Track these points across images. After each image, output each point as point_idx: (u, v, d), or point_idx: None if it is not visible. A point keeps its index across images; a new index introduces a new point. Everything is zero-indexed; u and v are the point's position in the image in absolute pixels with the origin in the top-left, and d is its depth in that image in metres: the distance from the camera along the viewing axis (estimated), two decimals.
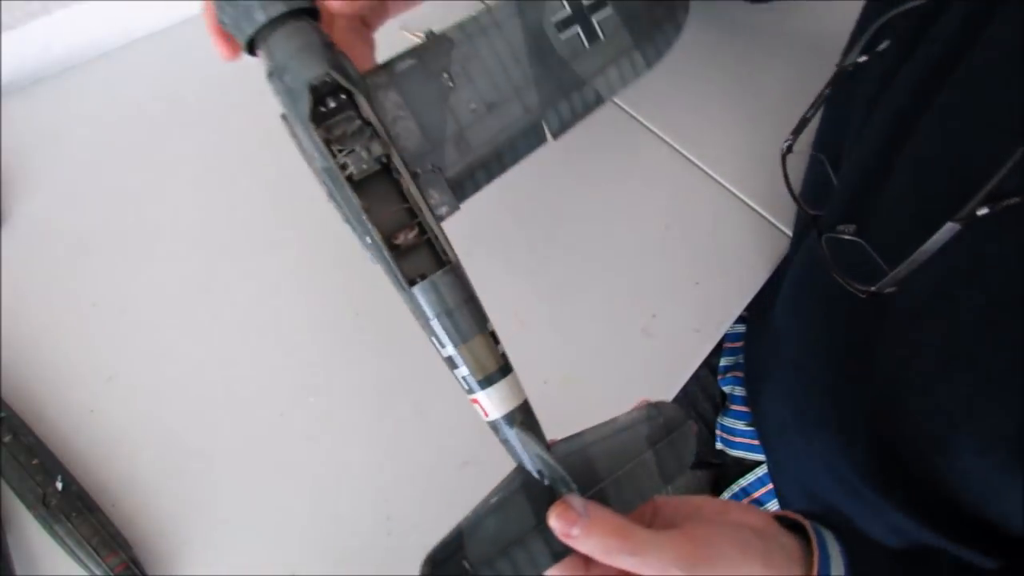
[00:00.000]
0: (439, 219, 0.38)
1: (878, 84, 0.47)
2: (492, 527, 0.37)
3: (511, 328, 0.56)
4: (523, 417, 0.37)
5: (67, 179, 0.57)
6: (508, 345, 0.54)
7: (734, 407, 0.67)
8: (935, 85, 0.41)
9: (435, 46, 0.39)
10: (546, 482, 0.37)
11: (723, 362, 0.71)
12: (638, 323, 0.57)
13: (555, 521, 0.35)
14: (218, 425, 0.51)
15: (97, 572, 0.45)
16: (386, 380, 0.53)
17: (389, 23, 0.46)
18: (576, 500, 0.36)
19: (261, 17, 0.35)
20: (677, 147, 0.63)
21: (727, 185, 0.62)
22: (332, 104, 0.36)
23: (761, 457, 0.68)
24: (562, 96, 0.41)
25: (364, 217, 0.36)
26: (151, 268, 0.55)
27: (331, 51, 0.36)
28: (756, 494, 0.65)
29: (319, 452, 0.51)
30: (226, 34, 0.37)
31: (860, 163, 0.47)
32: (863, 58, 0.44)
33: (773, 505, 0.66)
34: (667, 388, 0.55)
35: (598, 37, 0.41)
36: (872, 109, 0.47)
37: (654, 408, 0.40)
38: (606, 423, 0.40)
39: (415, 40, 0.39)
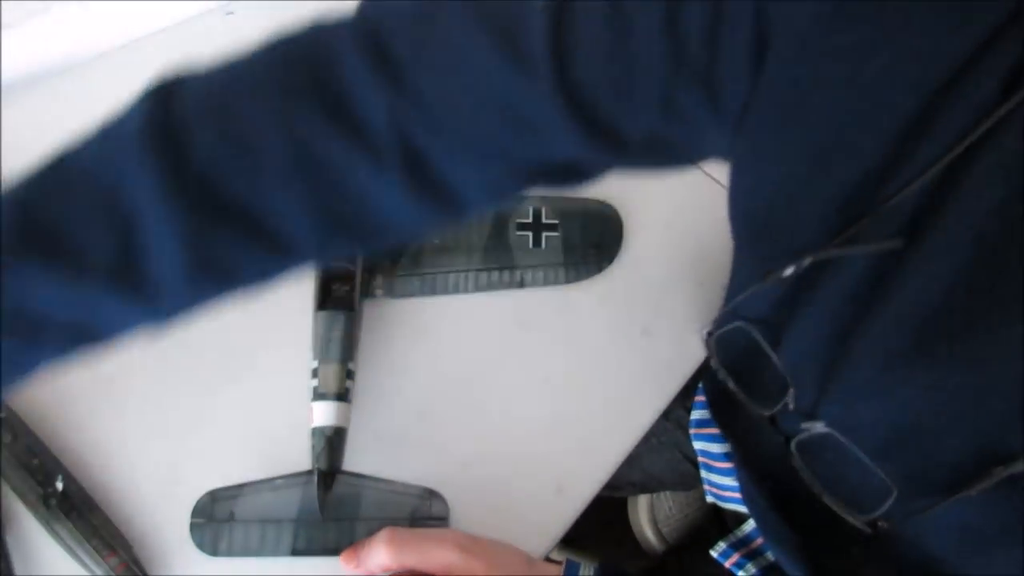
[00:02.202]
0: (371, 295, 0.54)
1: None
2: (266, 500, 0.46)
3: (511, 328, 0.57)
4: (334, 437, 0.46)
5: None
6: (508, 344, 0.54)
7: (718, 464, 0.61)
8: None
9: None
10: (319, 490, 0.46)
11: (695, 416, 0.63)
12: (638, 323, 0.57)
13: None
14: (218, 425, 0.51)
15: (97, 572, 0.45)
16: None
17: None
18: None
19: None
20: None
21: (727, 185, 0.62)
22: None
23: None
24: (496, 268, 0.55)
25: None
26: None
27: None
28: (755, 544, 0.61)
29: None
30: None
31: (813, 347, 0.38)
32: (790, 271, 0.35)
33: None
34: (667, 388, 0.55)
35: (540, 246, 0.56)
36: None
37: (428, 492, 0.47)
38: (388, 480, 0.47)
39: None
